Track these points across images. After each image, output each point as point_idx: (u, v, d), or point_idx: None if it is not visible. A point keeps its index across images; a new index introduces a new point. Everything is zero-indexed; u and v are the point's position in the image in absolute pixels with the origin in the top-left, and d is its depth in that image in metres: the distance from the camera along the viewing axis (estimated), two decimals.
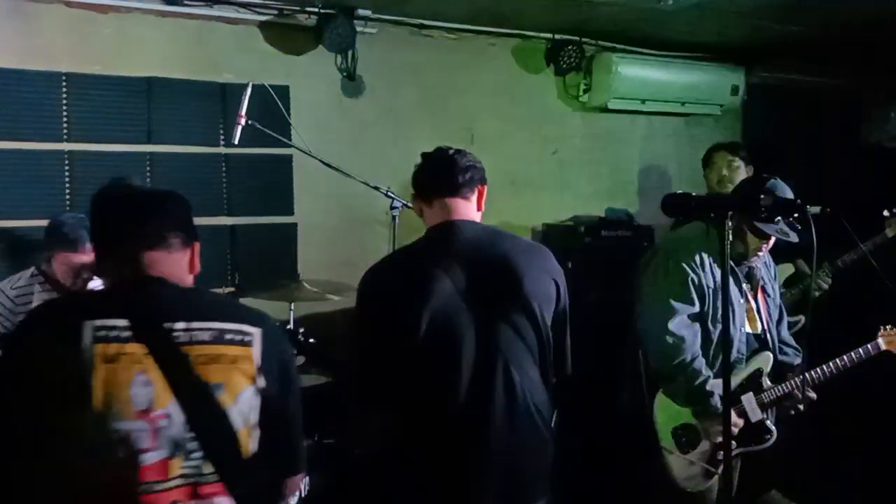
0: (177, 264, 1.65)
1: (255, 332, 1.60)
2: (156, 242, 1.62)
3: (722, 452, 2.79)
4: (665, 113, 5.34)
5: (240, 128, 3.35)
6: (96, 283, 3.32)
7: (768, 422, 2.86)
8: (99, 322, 1.45)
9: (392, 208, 3.69)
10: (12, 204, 3.64)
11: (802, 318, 3.44)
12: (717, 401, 2.71)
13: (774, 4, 4.13)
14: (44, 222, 3.61)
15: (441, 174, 2.22)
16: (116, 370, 1.43)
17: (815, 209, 1.89)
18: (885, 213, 3.70)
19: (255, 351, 1.58)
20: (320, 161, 3.51)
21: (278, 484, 1.71)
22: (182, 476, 1.46)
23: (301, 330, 2.93)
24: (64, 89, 3.76)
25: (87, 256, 3.05)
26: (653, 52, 5.11)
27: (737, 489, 2.81)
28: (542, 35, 4.89)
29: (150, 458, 1.43)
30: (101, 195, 1.75)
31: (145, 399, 1.44)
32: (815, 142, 5.70)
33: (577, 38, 4.84)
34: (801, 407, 2.79)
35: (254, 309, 1.72)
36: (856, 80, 5.88)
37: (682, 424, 2.83)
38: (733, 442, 2.75)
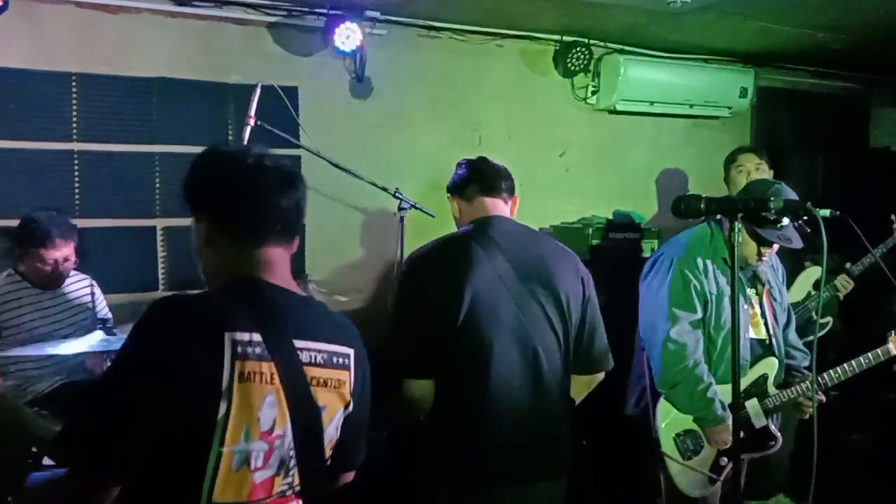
0: (287, 264, 1.57)
1: (351, 354, 1.57)
2: (282, 236, 1.54)
3: (724, 459, 2.79)
4: (673, 115, 5.33)
5: (249, 128, 3.36)
6: (78, 281, 3.35)
7: (773, 428, 2.84)
8: (238, 336, 1.37)
9: (400, 209, 3.70)
10: (22, 203, 3.65)
11: (831, 320, 3.43)
12: (718, 408, 2.70)
13: (783, 7, 4.12)
14: None
15: (486, 176, 2.43)
16: (250, 390, 1.37)
17: (825, 212, 1.87)
18: (893, 217, 3.69)
19: (351, 374, 1.56)
20: (328, 161, 3.53)
21: (335, 479, 1.70)
22: (280, 493, 1.46)
23: None
24: (73, 89, 3.78)
25: (58, 252, 3.10)
26: (661, 54, 5.10)
27: (743, 494, 2.80)
28: (550, 37, 4.89)
29: (261, 476, 1.40)
30: (213, 165, 1.56)
31: (269, 420, 1.40)
32: (824, 145, 5.68)
33: (585, 39, 4.83)
34: (810, 410, 2.78)
35: (345, 321, 1.66)
36: (864, 83, 5.87)
37: (684, 431, 2.82)
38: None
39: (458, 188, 2.45)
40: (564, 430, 2.34)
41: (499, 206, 2.41)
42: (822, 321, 3.42)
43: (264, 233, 1.51)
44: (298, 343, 1.46)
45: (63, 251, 3.14)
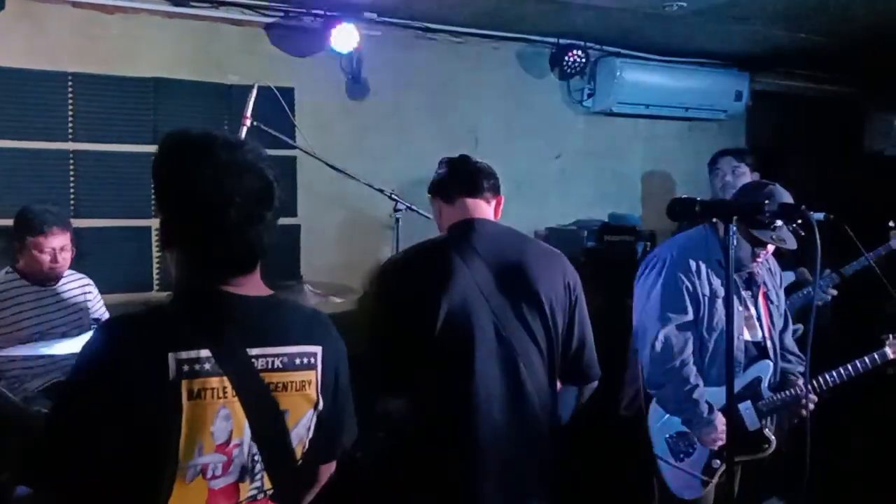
0: (257, 269, 1.51)
1: (318, 351, 1.54)
2: (261, 254, 1.48)
3: (717, 461, 2.79)
4: (669, 118, 5.35)
5: (245, 129, 3.35)
6: (75, 280, 3.35)
7: (766, 431, 2.85)
8: (183, 355, 1.35)
9: (395, 211, 3.70)
10: (17, 202, 3.63)
11: (801, 327, 3.44)
12: (704, 409, 2.70)
13: (779, 12, 4.14)
14: None
15: (467, 175, 2.31)
16: (201, 407, 1.36)
17: (819, 216, 1.88)
18: (892, 223, 3.69)
19: (318, 372, 1.54)
20: (324, 163, 3.53)
21: (315, 472, 1.69)
22: (250, 497, 1.46)
23: None
24: (70, 89, 3.78)
25: (56, 240, 3.11)
26: (657, 57, 5.12)
27: (737, 498, 2.80)
28: (546, 39, 4.90)
29: (219, 483, 1.41)
30: (182, 148, 1.48)
31: (224, 432, 1.40)
32: (818, 149, 5.71)
33: (581, 42, 4.84)
34: (804, 413, 2.78)
35: (315, 318, 1.61)
36: (859, 88, 5.89)
37: (677, 433, 2.82)
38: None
39: (439, 188, 2.34)
40: (548, 449, 2.22)
41: (481, 208, 2.28)
42: (792, 327, 3.42)
43: (226, 262, 1.46)
44: (253, 351, 1.44)
45: (60, 240, 3.14)
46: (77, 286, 3.36)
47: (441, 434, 2.12)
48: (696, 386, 2.71)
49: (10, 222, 3.50)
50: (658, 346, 2.71)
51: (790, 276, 3.66)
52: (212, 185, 1.40)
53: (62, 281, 3.29)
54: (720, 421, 2.69)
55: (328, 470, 1.72)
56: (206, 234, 1.43)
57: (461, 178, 2.31)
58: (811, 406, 2.75)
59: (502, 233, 2.27)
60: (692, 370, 2.72)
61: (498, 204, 2.34)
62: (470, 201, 2.27)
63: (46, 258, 3.13)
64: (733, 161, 3.93)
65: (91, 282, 3.44)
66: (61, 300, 3.28)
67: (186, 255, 1.47)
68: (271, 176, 1.47)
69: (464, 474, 2.10)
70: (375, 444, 2.21)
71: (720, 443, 2.71)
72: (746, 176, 3.87)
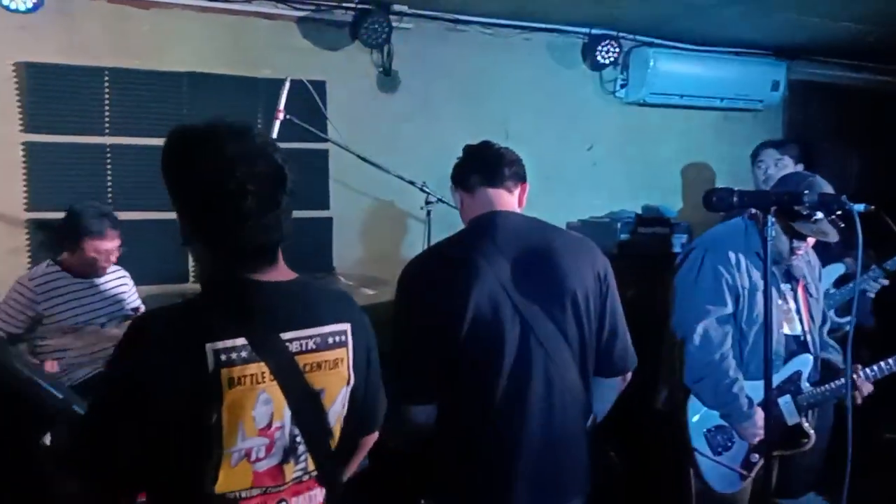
0: (275, 254, 1.52)
1: (348, 329, 1.57)
2: (266, 251, 1.49)
3: (755, 455, 2.76)
4: (703, 108, 5.27)
5: (278, 122, 3.38)
6: (113, 272, 3.41)
7: (805, 425, 2.80)
8: (220, 344, 1.37)
9: (427, 203, 3.70)
10: (55, 196, 3.71)
11: (855, 319, 3.37)
12: (744, 403, 2.66)
13: None
14: None
15: (488, 164, 2.21)
16: (241, 393, 1.39)
17: (860, 207, 1.84)
18: None
19: (349, 349, 1.57)
20: (356, 155, 3.54)
21: (356, 443, 1.73)
22: (296, 479, 1.49)
23: None
24: (106, 84, 3.83)
25: (111, 243, 3.22)
26: (691, 46, 5.05)
27: (773, 492, 2.77)
28: (578, 30, 4.85)
29: (263, 465, 1.44)
30: (187, 141, 1.48)
31: (266, 416, 1.43)
32: (859, 139, 5.59)
33: (614, 32, 4.79)
34: (859, 400, 2.75)
35: (341, 296, 1.67)
36: None
37: (715, 426, 2.79)
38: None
39: (458, 178, 2.25)
40: (580, 449, 2.15)
41: (502, 198, 2.17)
42: (840, 321, 3.32)
43: (248, 250, 1.47)
44: (286, 335, 1.46)
45: (115, 242, 3.25)
46: (114, 277, 3.43)
47: (470, 436, 2.07)
48: (736, 380, 2.67)
49: (47, 215, 3.58)
50: (697, 339, 2.67)
51: (840, 268, 3.58)
52: (224, 175, 1.40)
53: (109, 273, 3.38)
54: (760, 415, 2.65)
55: (371, 440, 1.76)
56: (225, 224, 1.43)
57: (480, 167, 2.21)
58: (858, 399, 2.72)
59: (526, 225, 2.16)
60: (732, 363, 2.69)
61: (522, 192, 2.24)
62: (491, 191, 2.18)
63: (101, 258, 3.23)
64: (776, 153, 3.83)
65: (127, 273, 3.51)
66: (100, 292, 3.35)
67: (209, 247, 1.49)
68: (280, 160, 1.47)
69: (494, 475, 2.05)
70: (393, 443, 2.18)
71: (759, 437, 2.67)
72: (790, 168, 3.77)
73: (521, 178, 2.23)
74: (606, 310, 2.16)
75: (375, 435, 1.76)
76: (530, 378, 2.04)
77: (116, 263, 3.43)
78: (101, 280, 3.36)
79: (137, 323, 1.46)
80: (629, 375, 2.30)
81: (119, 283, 3.44)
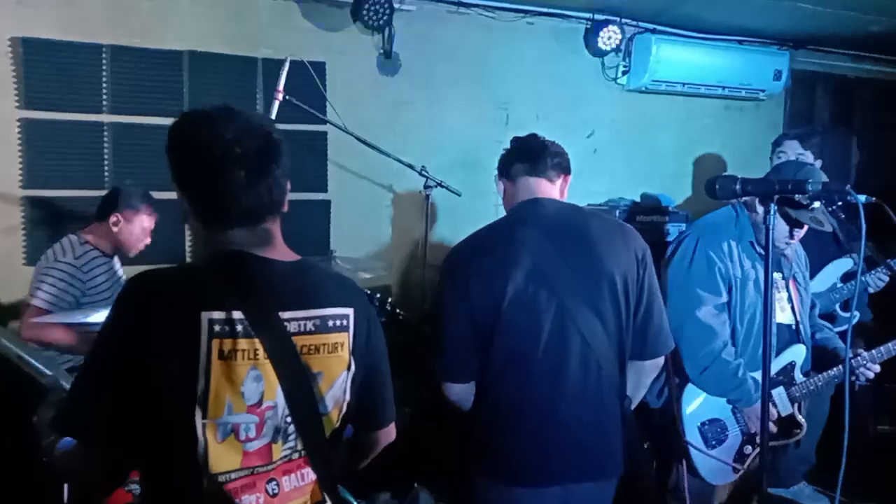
0: (275, 231, 1.53)
1: (350, 313, 1.56)
2: (260, 219, 1.50)
3: (749, 447, 2.77)
4: (705, 96, 5.25)
5: (277, 103, 3.36)
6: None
7: (798, 415, 2.81)
8: (215, 315, 1.38)
9: (426, 187, 3.69)
10: (51, 174, 3.70)
11: (858, 315, 3.37)
12: (752, 386, 2.67)
13: None
14: (83, 193, 3.72)
15: (532, 154, 2.29)
16: (231, 367, 1.39)
17: (861, 198, 1.83)
18: None
19: (350, 334, 1.56)
20: (355, 137, 3.52)
21: (371, 438, 1.72)
22: (284, 457, 1.49)
23: None
24: (104, 61, 3.79)
25: (150, 220, 3.33)
26: (694, 34, 5.02)
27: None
28: (581, 15, 4.82)
29: (255, 445, 1.44)
30: (182, 146, 1.50)
31: (256, 394, 1.42)
32: (859, 130, 5.57)
33: (616, 18, 4.76)
34: (871, 375, 2.79)
35: (345, 280, 1.65)
36: None
37: (709, 420, 2.79)
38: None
39: (503, 167, 2.34)
40: (615, 430, 2.19)
41: (543, 187, 2.26)
42: (846, 315, 3.33)
43: (236, 223, 1.48)
44: (285, 314, 1.46)
45: (153, 221, 3.36)
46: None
47: (512, 413, 2.13)
48: (740, 363, 2.67)
49: (43, 193, 3.55)
50: (698, 328, 2.66)
51: (848, 263, 3.57)
52: (211, 139, 1.44)
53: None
54: None
55: (386, 436, 1.74)
56: (213, 188, 1.46)
57: (523, 157, 2.29)
58: (870, 374, 2.77)
59: (564, 211, 2.24)
60: (732, 351, 2.69)
61: (564, 183, 2.32)
62: (532, 180, 2.26)
63: (143, 237, 3.33)
64: (798, 147, 3.75)
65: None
66: (120, 276, 3.38)
67: (201, 219, 1.51)
68: (276, 136, 1.50)
69: (534, 451, 2.12)
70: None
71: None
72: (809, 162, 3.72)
73: (563, 170, 2.32)
74: (644, 292, 2.21)
75: (392, 431, 1.74)
76: (567, 361, 2.10)
77: None
78: (118, 263, 3.40)
79: (135, 281, 1.45)
80: (661, 361, 2.33)
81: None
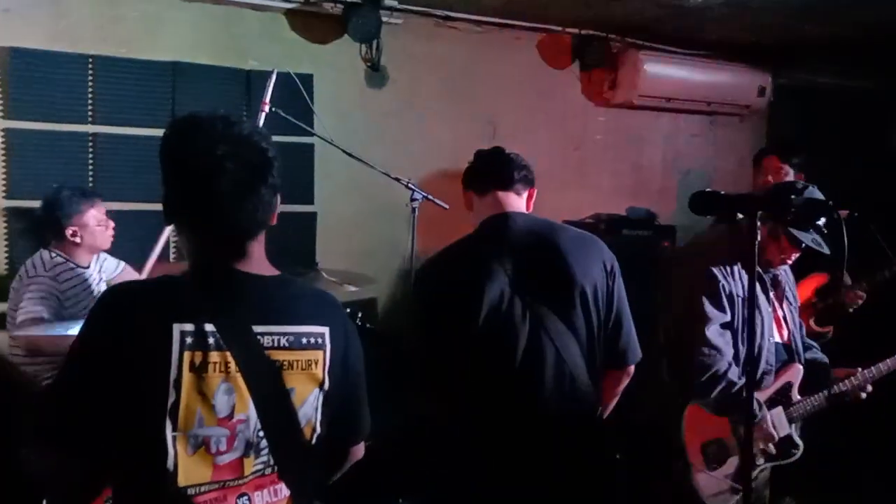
0: (259, 246, 1.53)
1: (326, 332, 1.55)
2: (246, 233, 1.49)
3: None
4: (690, 112, 5.29)
5: (263, 115, 3.34)
6: (109, 258, 3.39)
7: (795, 436, 2.80)
8: (187, 327, 1.38)
9: (412, 200, 3.67)
10: (35, 184, 3.66)
11: (831, 330, 3.37)
12: (755, 407, 2.64)
13: (804, 4, 4.06)
14: None
15: (499, 167, 2.31)
16: (202, 379, 1.39)
17: (843, 213, 1.84)
18: None
19: (326, 352, 1.55)
20: (342, 150, 3.51)
21: (344, 453, 1.72)
22: (256, 472, 1.48)
23: None
24: (90, 72, 3.78)
25: (99, 210, 3.26)
26: (680, 50, 5.07)
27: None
28: (568, 30, 4.86)
29: (226, 458, 1.43)
30: (173, 154, 1.48)
31: (227, 406, 1.42)
32: (843, 145, 5.62)
33: (603, 34, 4.80)
34: (863, 395, 2.79)
35: (325, 299, 1.64)
36: (885, 83, 5.78)
37: (711, 440, 2.76)
38: (762, 457, 2.73)
39: (470, 181, 2.35)
40: (587, 439, 2.22)
41: (511, 201, 2.28)
42: (821, 330, 3.34)
43: (218, 236, 1.49)
44: (259, 328, 1.46)
45: (103, 210, 3.29)
46: (111, 263, 3.47)
47: (487, 425, 2.13)
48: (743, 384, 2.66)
49: (26, 203, 3.51)
50: (704, 348, 2.62)
51: (822, 279, 3.59)
52: (203, 150, 1.43)
53: (97, 263, 3.38)
54: (767, 415, 2.68)
55: (356, 453, 1.74)
56: (198, 201, 1.45)
57: (491, 170, 2.31)
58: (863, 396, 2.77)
59: (534, 225, 2.25)
60: (736, 371, 2.65)
61: (530, 196, 2.34)
62: (501, 194, 2.27)
63: (105, 228, 3.27)
64: (777, 161, 3.73)
65: (121, 260, 3.53)
66: (99, 280, 3.35)
67: (184, 227, 1.52)
68: (271, 153, 1.49)
69: (512, 461, 2.11)
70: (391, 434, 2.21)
71: (772, 437, 2.68)
72: (790, 177, 3.69)
73: (529, 183, 2.34)
74: (614, 303, 2.24)
75: (362, 447, 1.74)
76: (542, 373, 2.11)
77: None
78: (98, 266, 3.37)
79: (108, 293, 1.47)
80: (632, 370, 2.34)
81: (113, 266, 3.48)
